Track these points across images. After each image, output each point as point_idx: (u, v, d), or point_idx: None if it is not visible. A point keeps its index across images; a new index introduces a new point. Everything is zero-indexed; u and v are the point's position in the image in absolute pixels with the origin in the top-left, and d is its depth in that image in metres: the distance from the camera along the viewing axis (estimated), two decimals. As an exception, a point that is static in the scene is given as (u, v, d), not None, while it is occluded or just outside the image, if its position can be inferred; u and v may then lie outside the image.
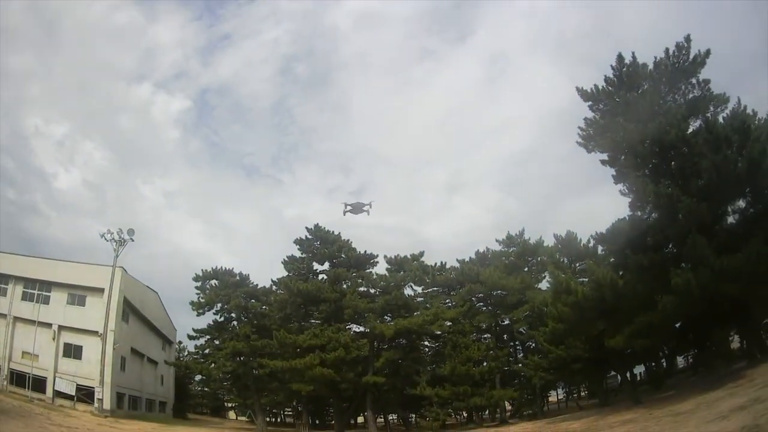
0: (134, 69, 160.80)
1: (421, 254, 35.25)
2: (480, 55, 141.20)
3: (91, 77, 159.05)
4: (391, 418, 40.97)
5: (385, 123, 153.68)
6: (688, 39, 18.45)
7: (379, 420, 35.66)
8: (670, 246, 17.40)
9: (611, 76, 19.55)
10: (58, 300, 32.50)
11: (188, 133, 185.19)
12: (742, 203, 17.03)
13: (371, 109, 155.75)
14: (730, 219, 17.38)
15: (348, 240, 33.46)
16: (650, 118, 17.83)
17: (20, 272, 32.15)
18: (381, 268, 34.32)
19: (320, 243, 33.58)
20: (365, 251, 33.36)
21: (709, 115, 18.39)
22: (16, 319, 31.19)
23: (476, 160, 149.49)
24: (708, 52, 18.20)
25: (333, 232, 33.53)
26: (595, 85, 19.85)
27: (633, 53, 19.27)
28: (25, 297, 32.17)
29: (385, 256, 34.92)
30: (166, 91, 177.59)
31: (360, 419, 37.91)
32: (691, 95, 18.94)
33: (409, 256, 35.00)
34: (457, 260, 36.51)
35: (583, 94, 20.17)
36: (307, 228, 33.86)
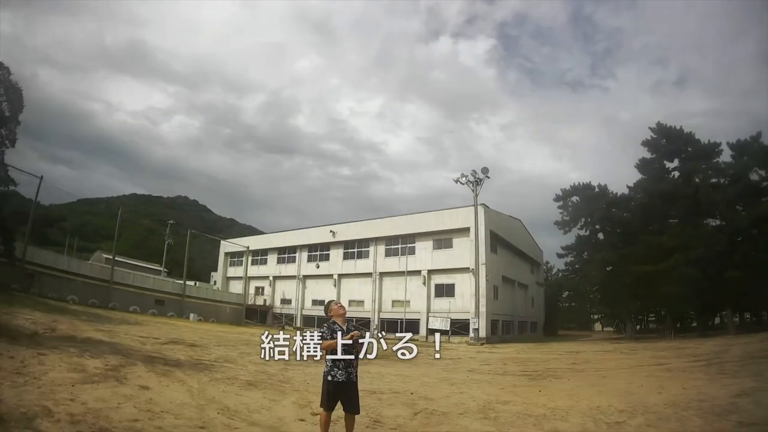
0: (423, 29, 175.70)
1: (759, 135, 32.19)
2: None
3: (390, 48, 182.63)
4: (746, 315, 39.66)
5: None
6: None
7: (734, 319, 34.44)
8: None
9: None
10: (424, 247, 34.45)
11: (502, 66, 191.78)
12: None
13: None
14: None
15: (690, 132, 33.21)
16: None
17: (379, 233, 36.54)
18: (725, 156, 33.30)
19: (666, 140, 33.60)
20: (708, 140, 33.22)
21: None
22: (382, 274, 36.20)
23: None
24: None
25: (675, 126, 33.36)
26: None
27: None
28: (389, 253, 36.08)
29: (727, 143, 33.60)
30: (465, 38, 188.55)
31: (716, 320, 39.07)
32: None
33: (748, 139, 32.41)
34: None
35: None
36: (650, 128, 34.37)
